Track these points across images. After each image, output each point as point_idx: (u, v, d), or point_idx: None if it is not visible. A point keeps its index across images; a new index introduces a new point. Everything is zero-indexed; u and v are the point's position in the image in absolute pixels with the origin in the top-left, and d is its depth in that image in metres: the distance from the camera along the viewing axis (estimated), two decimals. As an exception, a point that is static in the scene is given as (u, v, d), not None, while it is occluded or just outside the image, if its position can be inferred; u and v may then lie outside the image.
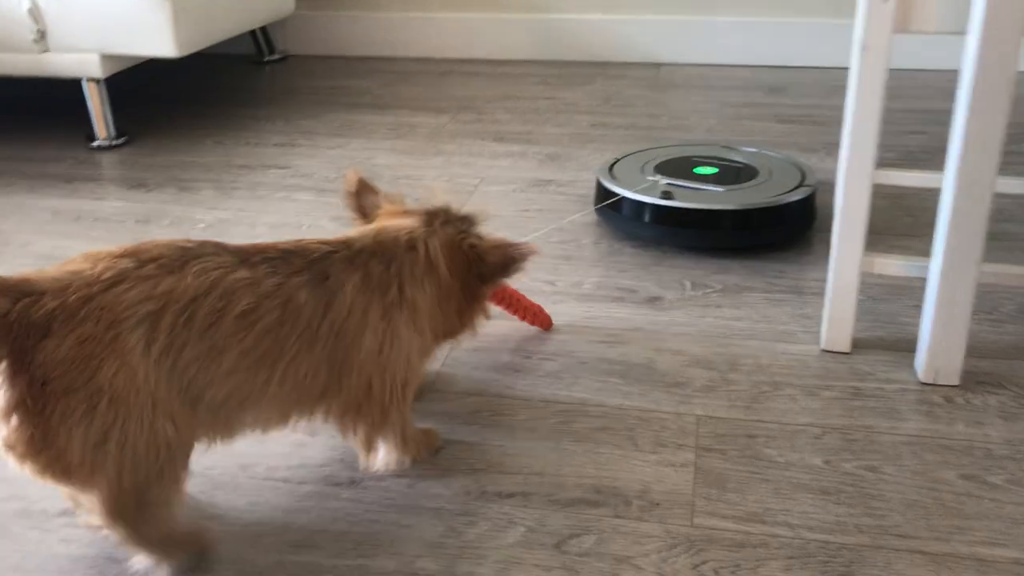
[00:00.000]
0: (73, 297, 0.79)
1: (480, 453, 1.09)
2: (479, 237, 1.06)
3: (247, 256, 0.89)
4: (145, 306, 0.81)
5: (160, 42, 2.05)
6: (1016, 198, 1.72)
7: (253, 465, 1.07)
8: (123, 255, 0.83)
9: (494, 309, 1.26)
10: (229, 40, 2.35)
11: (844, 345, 1.27)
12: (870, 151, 1.17)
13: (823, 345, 1.28)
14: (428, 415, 1.15)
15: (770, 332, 1.32)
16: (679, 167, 1.70)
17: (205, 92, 2.66)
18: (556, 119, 2.32)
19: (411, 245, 0.99)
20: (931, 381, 1.19)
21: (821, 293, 1.42)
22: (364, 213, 1.10)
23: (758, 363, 1.25)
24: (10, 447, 0.79)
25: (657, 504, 1.00)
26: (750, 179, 1.64)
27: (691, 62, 2.79)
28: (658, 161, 1.74)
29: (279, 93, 2.63)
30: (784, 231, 1.59)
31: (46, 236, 1.71)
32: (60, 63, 2.12)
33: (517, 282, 1.26)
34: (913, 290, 1.40)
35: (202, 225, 1.74)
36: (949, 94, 1.12)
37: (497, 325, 1.36)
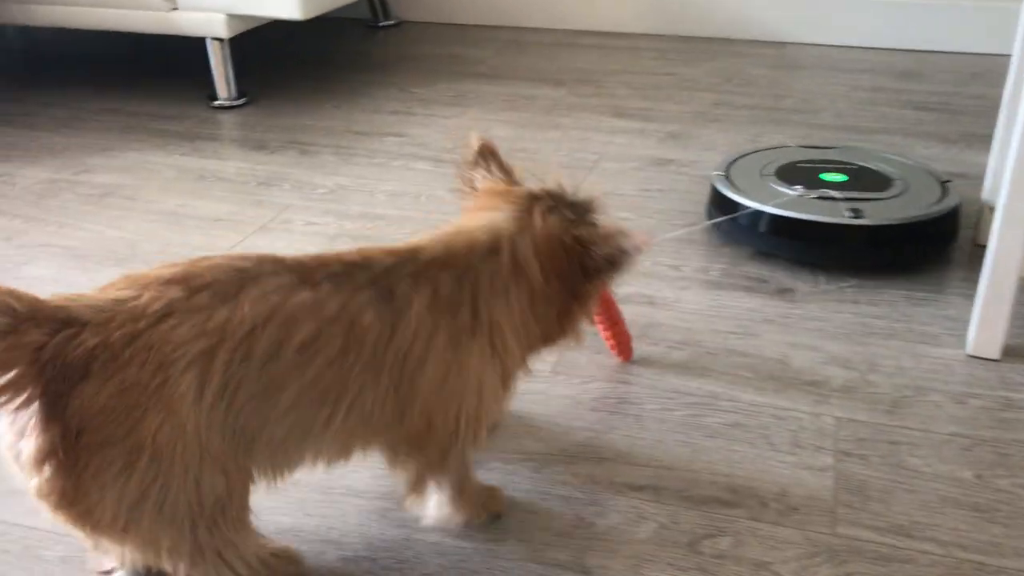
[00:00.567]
0: (117, 334, 0.70)
1: (608, 442, 1.06)
2: (591, 225, 0.89)
3: (309, 273, 0.78)
4: (197, 344, 0.71)
5: (286, 4, 2.06)
6: None
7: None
8: (172, 281, 0.74)
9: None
10: (347, 5, 2.35)
11: (994, 352, 1.20)
12: (1042, 147, 1.09)
13: (970, 350, 1.21)
14: (553, 398, 1.13)
15: (911, 333, 1.25)
16: (803, 172, 1.53)
17: (321, 56, 2.67)
18: (677, 96, 2.26)
19: (493, 248, 0.85)
20: (1091, 396, 1.12)
21: (964, 294, 1.34)
22: (474, 187, 0.95)
23: (899, 365, 1.19)
24: (43, 496, 0.71)
25: (796, 509, 0.95)
26: (886, 187, 1.48)
27: (817, 42, 2.68)
28: (779, 164, 1.57)
29: (393, 59, 2.62)
30: (928, 249, 1.43)
31: (171, 194, 1.74)
32: (187, 21, 2.15)
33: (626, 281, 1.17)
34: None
35: (322, 190, 1.74)
36: None
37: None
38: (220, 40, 2.16)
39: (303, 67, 2.55)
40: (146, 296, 0.72)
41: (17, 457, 0.71)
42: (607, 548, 0.91)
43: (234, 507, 0.77)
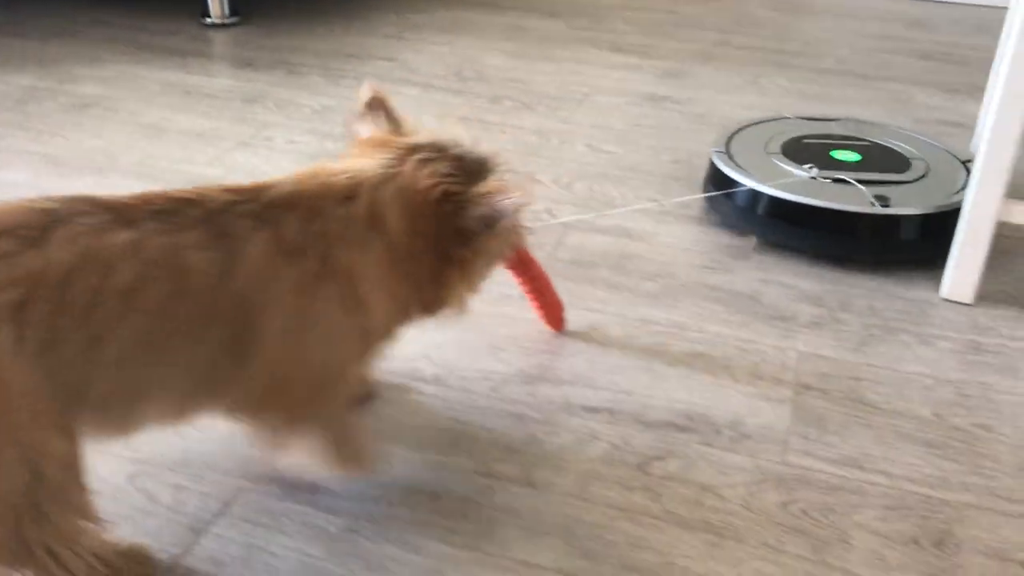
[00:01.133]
0: None
1: (569, 365, 1.05)
2: (468, 182, 0.78)
3: (128, 212, 0.69)
4: (7, 295, 0.63)
5: (280, -80, 2.02)
6: None
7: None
8: None
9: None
10: (348, -74, 2.30)
11: (967, 296, 1.18)
12: (1029, 86, 1.07)
13: (944, 294, 1.19)
14: (519, 321, 1.12)
15: (887, 273, 1.24)
16: (813, 150, 1.38)
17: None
18: (678, 34, 2.21)
19: (349, 194, 0.76)
20: (1061, 343, 1.10)
21: (946, 239, 1.32)
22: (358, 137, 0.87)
23: (871, 305, 1.17)
24: None
25: (748, 436, 0.95)
26: (905, 168, 1.34)
27: (826, -13, 2.62)
28: (785, 138, 1.41)
29: (394, -14, 2.57)
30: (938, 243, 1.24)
31: (155, 107, 1.72)
32: (181, -65, 2.10)
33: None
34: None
35: (307, 110, 1.72)
36: None
37: (595, 240, 1.31)
38: (214, -45, 2.12)
39: (300, -11, 2.50)
40: None
41: None
42: (556, 465, 0.91)
43: (68, 488, 0.69)
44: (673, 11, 2.40)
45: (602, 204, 1.41)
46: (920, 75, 1.98)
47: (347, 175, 0.77)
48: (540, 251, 1.26)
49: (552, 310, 1.10)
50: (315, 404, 0.80)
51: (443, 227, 0.78)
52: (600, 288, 1.20)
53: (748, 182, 1.30)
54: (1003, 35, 1.42)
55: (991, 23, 2.33)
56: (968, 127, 1.68)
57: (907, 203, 1.25)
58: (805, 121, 1.50)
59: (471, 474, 0.89)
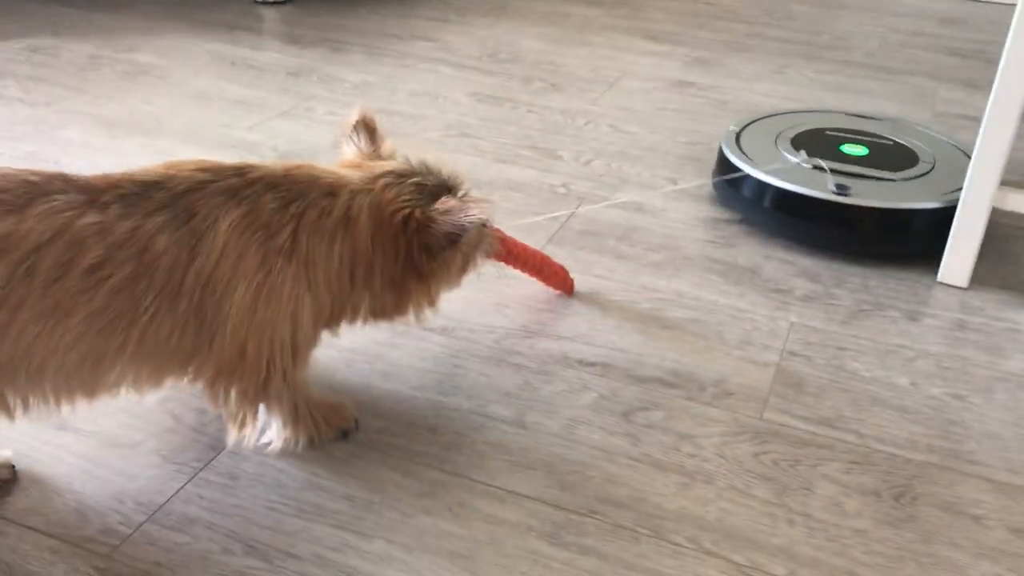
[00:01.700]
0: None
1: (570, 324, 1.12)
2: (429, 205, 0.85)
3: (98, 195, 0.75)
4: None
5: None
6: None
7: (357, 301, 1.14)
8: None
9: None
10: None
11: (961, 279, 1.23)
12: None
13: (939, 277, 1.24)
14: (526, 282, 1.19)
15: (886, 255, 1.29)
16: (822, 143, 1.40)
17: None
18: (712, 24, 2.26)
19: (331, 191, 0.83)
20: (1046, 326, 1.15)
21: (949, 226, 1.36)
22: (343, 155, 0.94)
23: (865, 283, 1.23)
24: None
25: (731, 394, 1.01)
26: (912, 164, 1.36)
27: (866, -17, 2.64)
28: (802, 129, 1.45)
29: (440, -29, 2.65)
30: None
31: (203, 77, 1.82)
32: (237, -85, 2.21)
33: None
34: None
35: (348, 85, 1.81)
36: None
37: (606, 213, 1.38)
38: (268, -64, 2.22)
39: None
40: None
41: None
42: (547, 409, 0.98)
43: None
44: (711, 2, 2.45)
45: (617, 181, 1.47)
46: (945, 71, 2.01)
47: (333, 175, 0.85)
48: (555, 222, 1.34)
49: (556, 279, 1.17)
50: (280, 375, 0.84)
51: (409, 244, 0.85)
52: (607, 256, 1.26)
53: (742, 166, 1.35)
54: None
55: None
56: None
57: (871, 196, 1.26)
58: (847, 116, 1.52)
59: (467, 413, 0.97)
